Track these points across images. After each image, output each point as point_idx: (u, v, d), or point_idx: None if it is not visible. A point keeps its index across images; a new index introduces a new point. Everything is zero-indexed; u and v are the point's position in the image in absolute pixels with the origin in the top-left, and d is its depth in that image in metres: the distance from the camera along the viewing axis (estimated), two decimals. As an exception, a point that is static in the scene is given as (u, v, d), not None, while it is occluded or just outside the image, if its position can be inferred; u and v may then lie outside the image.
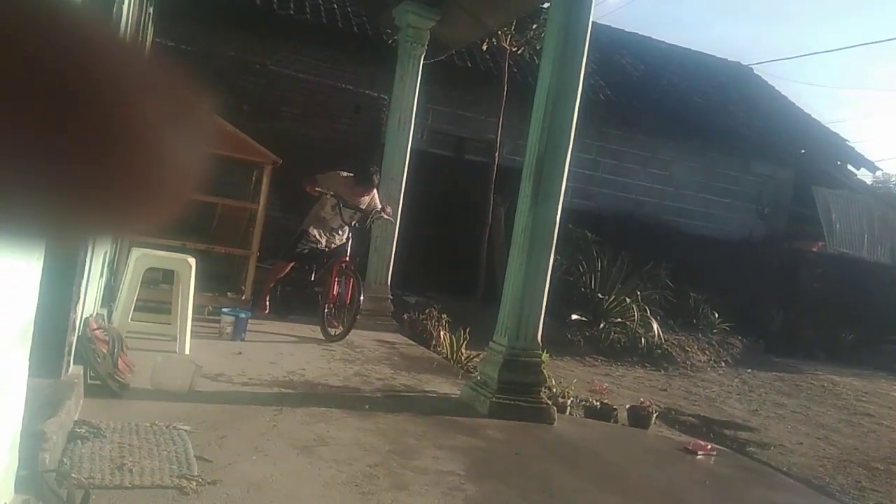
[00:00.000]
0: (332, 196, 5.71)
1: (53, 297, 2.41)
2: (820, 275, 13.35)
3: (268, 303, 5.97)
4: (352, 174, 5.90)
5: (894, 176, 20.81)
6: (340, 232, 6.02)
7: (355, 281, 5.48)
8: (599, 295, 10.25)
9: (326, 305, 5.66)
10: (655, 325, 9.93)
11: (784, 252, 13.46)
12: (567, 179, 4.39)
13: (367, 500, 2.53)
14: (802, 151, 14.31)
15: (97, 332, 3.31)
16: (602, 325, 9.83)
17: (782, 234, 13.87)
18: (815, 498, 4.03)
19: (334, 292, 5.61)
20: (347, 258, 5.72)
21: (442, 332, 6.91)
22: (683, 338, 10.60)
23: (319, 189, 5.63)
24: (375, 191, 6.10)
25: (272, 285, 6.02)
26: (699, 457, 4.13)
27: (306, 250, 5.95)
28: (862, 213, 14.60)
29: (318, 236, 6.00)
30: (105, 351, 3.23)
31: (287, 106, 8.32)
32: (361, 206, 5.92)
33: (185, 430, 2.78)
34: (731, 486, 3.70)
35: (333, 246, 6.00)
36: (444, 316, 7.19)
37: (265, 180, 5.53)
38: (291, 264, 5.97)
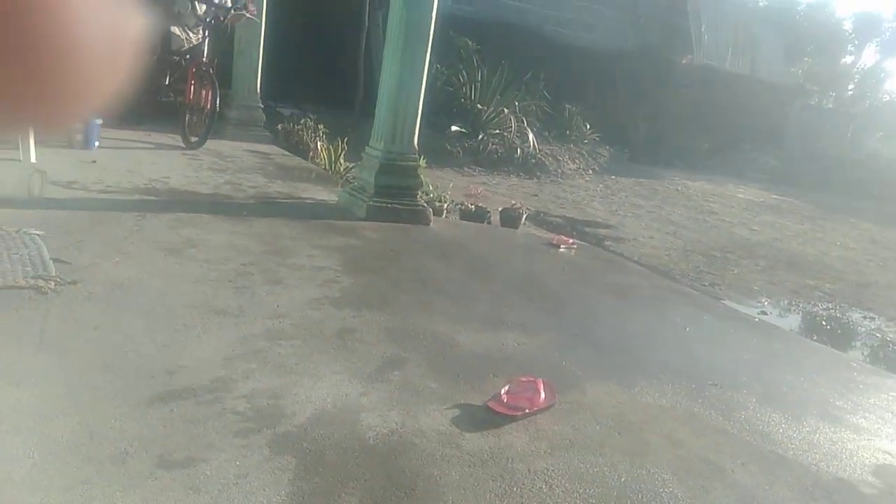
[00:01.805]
0: None
1: None
2: (686, 86, 14.00)
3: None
4: None
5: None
6: (196, 31, 5.48)
7: (212, 86, 5.10)
8: (479, 106, 10.26)
9: (186, 112, 5.30)
10: (531, 136, 10.19)
11: (656, 64, 13.86)
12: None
13: (241, 294, 2.56)
14: (681, -41, 14.27)
15: (-85, 136, 2.93)
16: (480, 137, 9.96)
17: (656, 46, 14.19)
18: (658, 280, 4.53)
19: (191, 98, 5.22)
20: (205, 60, 5.26)
21: (319, 144, 6.73)
22: (556, 148, 11.01)
23: None
24: None
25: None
26: (561, 250, 4.47)
27: (177, 56, 5.43)
28: (729, 25, 15.12)
29: (180, 34, 5.46)
30: (-71, 156, 2.88)
31: None
32: (215, 0, 5.40)
33: (38, 235, 2.61)
34: (586, 272, 4.07)
35: (189, 46, 5.49)
36: (322, 127, 6.97)
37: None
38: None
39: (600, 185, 10.18)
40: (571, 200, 8.53)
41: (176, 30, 5.43)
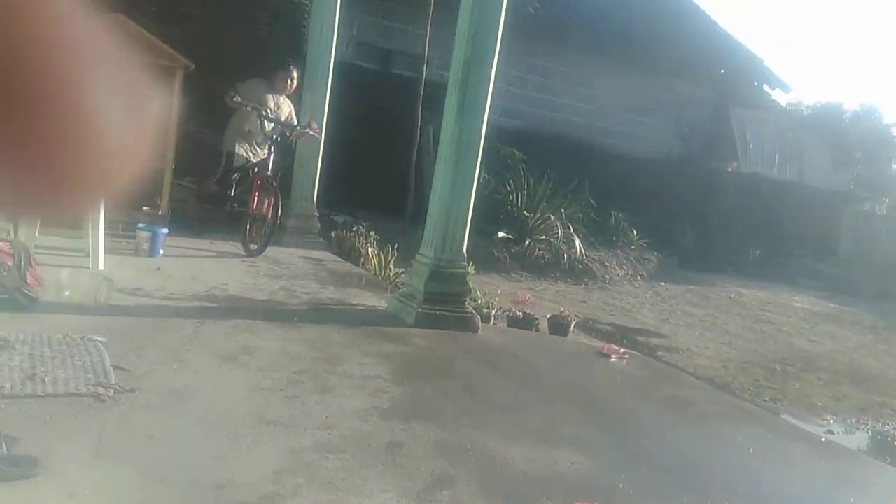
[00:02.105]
0: (252, 108, 5.55)
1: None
2: (732, 193, 13.98)
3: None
4: (271, 78, 5.86)
5: (805, 105, 21.64)
6: (262, 146, 5.86)
7: (275, 197, 5.37)
8: (525, 213, 10.43)
9: (248, 222, 5.57)
10: (578, 242, 10.24)
11: (701, 172, 13.97)
12: (494, 91, 4.35)
13: (293, 403, 2.57)
14: (722, 71, 14.65)
15: (1, 245, 3.14)
16: (527, 243, 10.06)
17: (700, 154, 14.35)
18: (717, 394, 4.36)
19: (254, 208, 5.50)
20: (269, 173, 5.58)
21: (370, 250, 6.89)
22: (603, 254, 11.00)
23: (239, 100, 5.46)
24: (290, 103, 6.03)
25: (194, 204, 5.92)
26: (612, 360, 4.37)
27: (238, 173, 5.82)
28: (773, 133, 15.25)
29: (244, 153, 5.86)
30: (10, 264, 3.07)
31: (200, 8, 7.78)
32: (282, 118, 5.81)
33: (101, 342, 2.71)
34: (639, 384, 3.95)
35: (255, 160, 5.85)
36: (373, 234, 7.16)
37: (177, 87, 5.21)
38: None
39: (650, 292, 10.04)
40: (620, 307, 8.42)
41: (240, 150, 5.84)
